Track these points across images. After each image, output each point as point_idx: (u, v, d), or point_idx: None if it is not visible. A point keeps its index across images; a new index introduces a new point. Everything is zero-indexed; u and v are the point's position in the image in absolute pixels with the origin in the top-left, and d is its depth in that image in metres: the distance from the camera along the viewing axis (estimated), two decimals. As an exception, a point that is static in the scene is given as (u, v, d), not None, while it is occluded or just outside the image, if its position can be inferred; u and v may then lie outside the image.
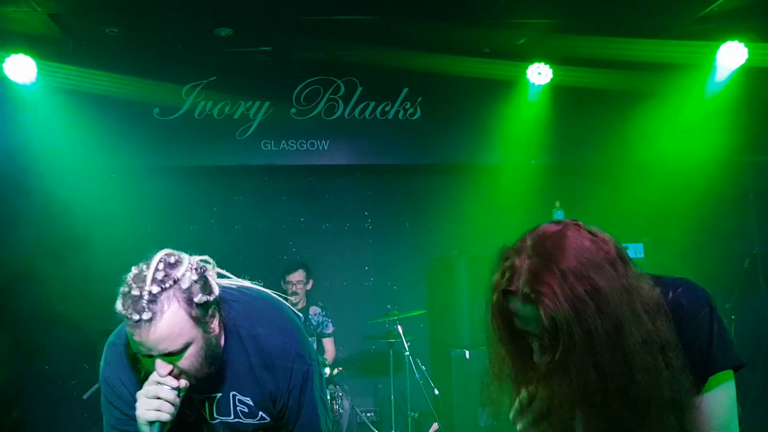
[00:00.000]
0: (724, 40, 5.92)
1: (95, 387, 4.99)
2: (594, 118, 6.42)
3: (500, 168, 6.54)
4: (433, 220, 6.70)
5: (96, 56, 5.78)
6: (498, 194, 6.42)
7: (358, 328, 6.22)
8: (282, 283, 6.00)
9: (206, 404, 2.08)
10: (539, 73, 6.22)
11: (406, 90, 6.45)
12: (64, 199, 5.66)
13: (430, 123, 6.45)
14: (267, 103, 6.27)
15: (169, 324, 1.76)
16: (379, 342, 6.12)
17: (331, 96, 6.34)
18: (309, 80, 6.32)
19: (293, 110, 6.30)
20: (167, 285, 1.77)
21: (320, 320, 6.01)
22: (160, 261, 1.81)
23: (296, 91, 6.31)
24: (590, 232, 1.51)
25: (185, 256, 1.87)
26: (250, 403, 2.07)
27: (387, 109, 6.43)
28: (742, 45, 5.90)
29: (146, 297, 1.73)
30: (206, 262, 1.94)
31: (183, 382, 1.89)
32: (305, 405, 2.13)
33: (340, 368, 5.79)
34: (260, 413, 2.10)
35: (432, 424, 5.70)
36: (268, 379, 2.06)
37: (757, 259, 6.44)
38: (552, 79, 6.24)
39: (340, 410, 5.53)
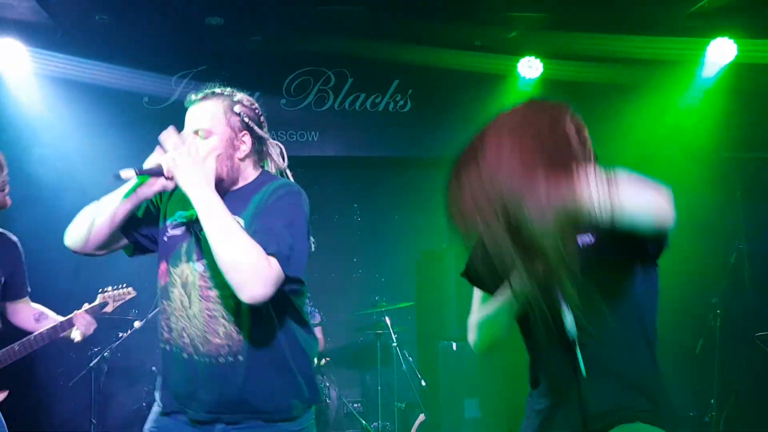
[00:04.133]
0: (714, 37, 5.95)
1: (81, 374, 5.00)
2: (584, 113, 6.34)
3: (490, 161, 6.53)
4: (422, 212, 6.70)
5: (85, 44, 5.72)
6: (488, 187, 6.42)
7: (346, 320, 6.22)
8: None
9: None
10: (530, 67, 6.23)
11: (396, 82, 6.45)
12: (49, 186, 5.62)
13: (421, 116, 6.45)
14: (257, 94, 6.15)
15: (207, 107, 2.47)
16: (366, 333, 6.13)
17: (322, 87, 6.33)
18: (299, 71, 6.30)
19: (283, 101, 6.28)
20: (224, 93, 2.53)
21: (307, 310, 6.02)
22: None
23: (286, 82, 6.29)
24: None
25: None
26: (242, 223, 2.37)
27: (377, 101, 6.43)
28: (731, 41, 5.93)
29: (208, 92, 2.50)
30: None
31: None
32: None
33: (328, 359, 5.80)
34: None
35: (419, 415, 5.72)
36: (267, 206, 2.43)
37: (744, 255, 6.48)
38: (542, 73, 6.26)
39: (327, 400, 5.55)
